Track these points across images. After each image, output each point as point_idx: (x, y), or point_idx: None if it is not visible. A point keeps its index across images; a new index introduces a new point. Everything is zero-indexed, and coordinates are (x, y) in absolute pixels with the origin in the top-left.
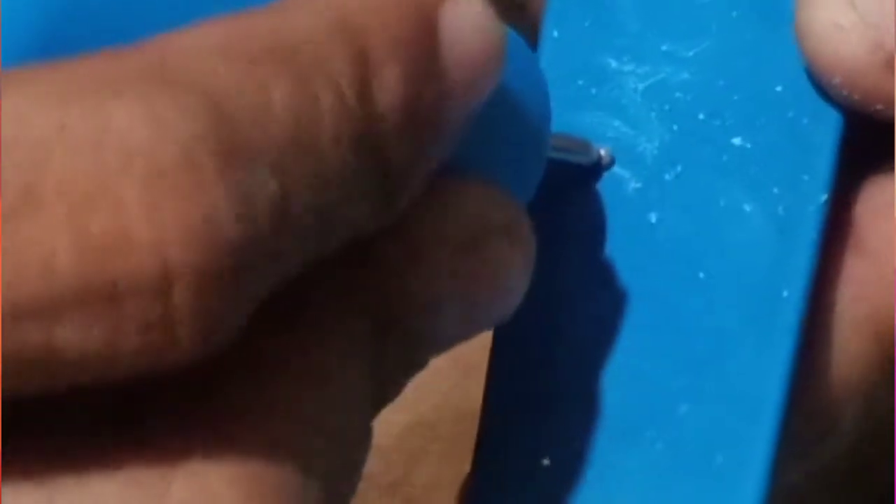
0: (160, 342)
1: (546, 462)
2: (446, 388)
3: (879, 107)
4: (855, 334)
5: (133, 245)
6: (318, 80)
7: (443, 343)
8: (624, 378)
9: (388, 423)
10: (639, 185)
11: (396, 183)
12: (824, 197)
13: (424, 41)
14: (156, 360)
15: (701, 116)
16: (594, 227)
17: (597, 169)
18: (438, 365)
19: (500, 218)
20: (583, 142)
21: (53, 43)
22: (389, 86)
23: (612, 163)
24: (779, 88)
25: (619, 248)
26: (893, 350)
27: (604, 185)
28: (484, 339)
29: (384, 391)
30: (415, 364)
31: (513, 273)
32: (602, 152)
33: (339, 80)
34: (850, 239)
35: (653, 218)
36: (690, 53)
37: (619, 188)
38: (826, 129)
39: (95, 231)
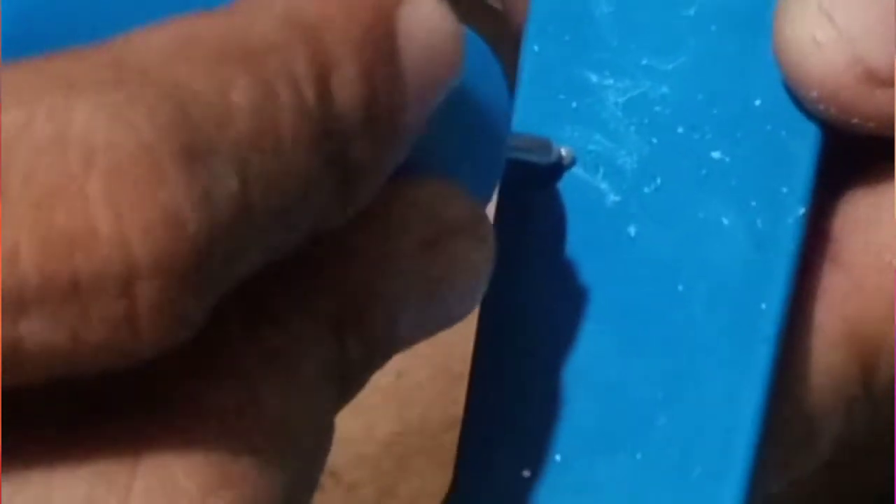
0: (123, 336)
1: (526, 473)
2: (432, 396)
3: (856, 121)
4: (832, 347)
5: (96, 239)
6: (277, 79)
7: (403, 341)
8: (603, 390)
9: (375, 432)
10: (618, 198)
11: (355, 180)
12: (802, 210)
13: (382, 41)
14: (119, 354)
15: (680, 130)
16: (563, 230)
17: (558, 168)
18: (424, 374)
19: (460, 215)
20: (543, 141)
21: (19, 44)
22: (347, 84)
23: (573, 162)
24: (757, 102)
25: (598, 261)
26: (871, 363)
27: (583, 198)
28: (469, 349)
29: (346, 388)
30: (376, 361)
31: (473, 270)
32: (563, 152)
33: (298, 79)
34: (828, 252)
35: (632, 231)
36: (670, 67)
37: (599, 201)
38: (804, 143)
39: (58, 226)
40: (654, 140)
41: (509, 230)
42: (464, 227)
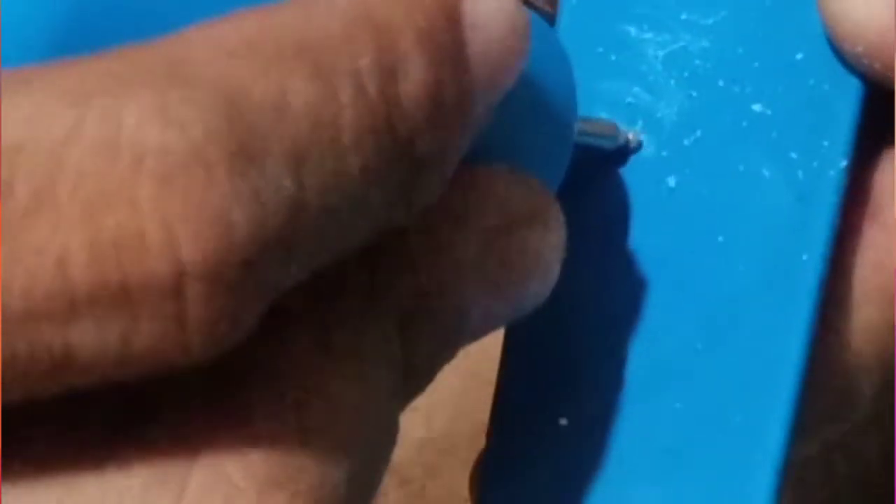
0: (173, 341)
1: (563, 422)
2: (462, 403)
3: None
4: (872, 302)
5: (145, 245)
6: (338, 76)
7: (474, 333)
8: (642, 339)
9: (404, 438)
10: (658, 149)
11: (423, 175)
12: (844, 163)
13: (449, 31)
14: (169, 359)
15: (720, 83)
16: (608, 184)
17: (624, 151)
18: (454, 380)
19: (529, 204)
20: (610, 125)
21: (69, 41)
22: (415, 77)
23: (639, 146)
24: (799, 56)
25: (637, 212)
26: None
27: (622, 149)
28: (493, 359)
29: (414, 382)
30: (445, 354)
31: (543, 260)
32: (630, 135)
33: (361, 74)
34: (868, 209)
35: (672, 182)
36: (710, 21)
37: (639, 152)
38: (847, 97)
39: (108, 231)
40: (694, 93)
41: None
42: (534, 215)
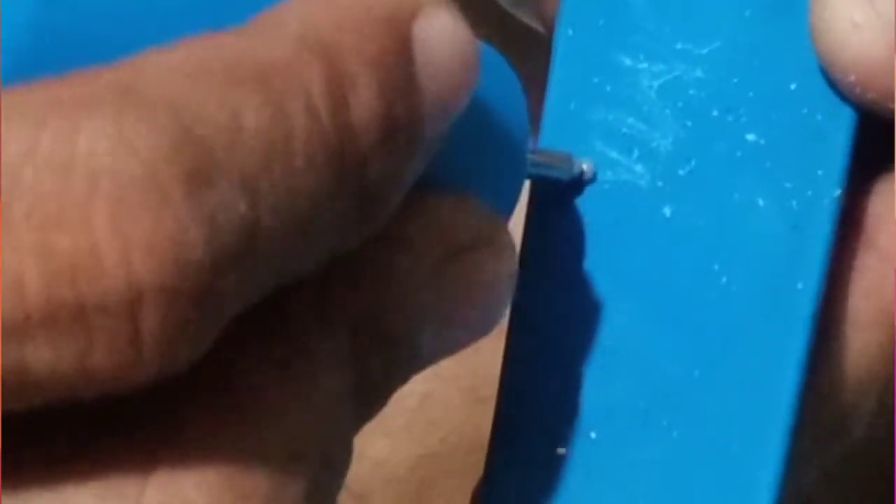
0: (129, 361)
1: (561, 451)
2: (457, 420)
3: (893, 105)
4: (866, 329)
5: (100, 265)
6: (290, 100)
7: (426, 357)
8: (639, 369)
9: (400, 456)
10: (653, 179)
11: (373, 199)
12: (838, 192)
13: (398, 56)
14: (125, 378)
15: (715, 113)
16: (597, 211)
17: (579, 183)
18: (449, 397)
19: (478, 231)
20: (564, 156)
21: (35, 63)
22: (365, 102)
23: (594, 178)
24: (793, 86)
25: (633, 242)
26: None
27: (618, 180)
28: (494, 371)
29: (367, 406)
30: (398, 378)
31: (494, 284)
32: (584, 167)
33: (313, 99)
34: (862, 237)
35: (667, 212)
36: (704, 51)
37: (634, 183)
38: (840, 126)
39: (63, 252)
40: (689, 123)
41: (540, 219)
42: (483, 240)
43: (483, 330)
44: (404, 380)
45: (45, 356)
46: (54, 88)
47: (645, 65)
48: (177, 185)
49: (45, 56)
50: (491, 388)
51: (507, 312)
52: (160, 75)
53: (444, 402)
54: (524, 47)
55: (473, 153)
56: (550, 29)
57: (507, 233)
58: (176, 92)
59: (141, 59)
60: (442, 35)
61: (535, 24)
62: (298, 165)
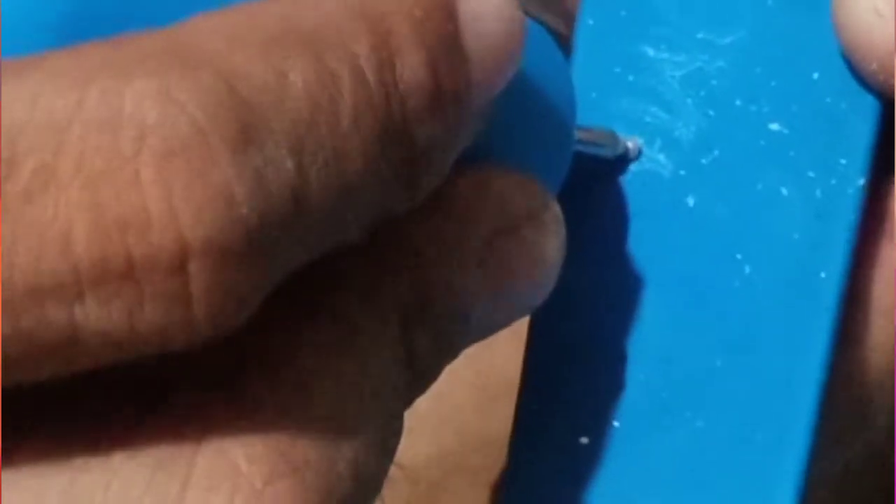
0: (178, 318)
1: (584, 440)
2: (470, 418)
3: None
4: (889, 319)
5: (148, 222)
6: (337, 62)
7: (475, 332)
8: (663, 358)
9: (412, 454)
10: (676, 169)
11: (420, 165)
12: (862, 181)
13: (445, 22)
14: (175, 338)
15: (738, 102)
16: (627, 215)
17: (624, 160)
18: (462, 395)
19: (530, 204)
20: (609, 133)
21: (77, 30)
22: (412, 68)
23: (639, 154)
24: (815, 75)
25: (656, 231)
26: None
27: (641, 169)
28: (506, 370)
29: (418, 380)
30: (448, 353)
31: (544, 260)
32: (629, 144)
33: (360, 62)
34: (885, 228)
35: (690, 202)
36: (727, 41)
37: (657, 172)
38: (863, 115)
39: (111, 209)
40: (712, 112)
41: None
42: (535, 215)
43: (531, 305)
44: (454, 355)
45: (94, 315)
46: (100, 49)
47: (667, 55)
48: (223, 143)
49: (85, 22)
50: (504, 386)
51: None
52: (206, 37)
53: (456, 400)
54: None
55: (522, 128)
56: (573, 30)
57: (557, 207)
58: (222, 52)
59: (187, 23)
60: (487, 6)
61: (559, 27)
62: (345, 127)
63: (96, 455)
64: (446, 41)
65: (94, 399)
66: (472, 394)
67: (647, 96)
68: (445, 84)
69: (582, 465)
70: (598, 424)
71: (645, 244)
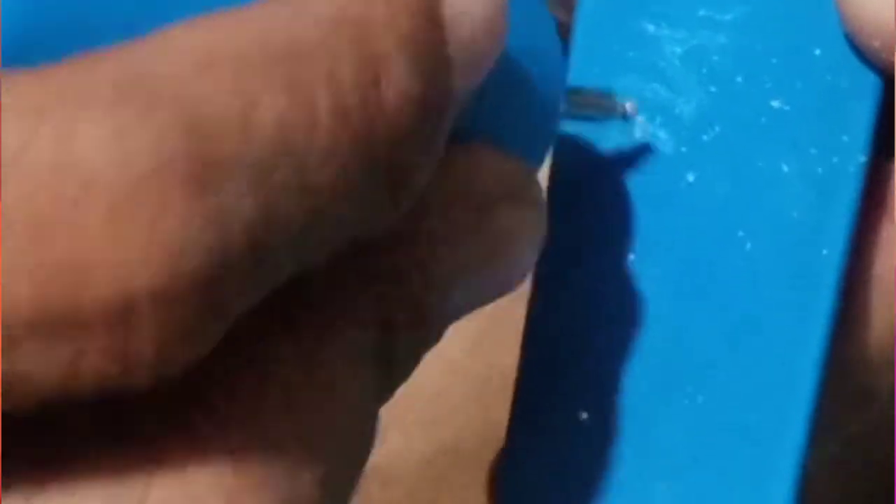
0: (123, 366)
1: (584, 416)
2: (471, 414)
3: None
4: (891, 298)
5: (92, 270)
6: (314, 85)
7: (454, 315)
8: (662, 334)
9: (411, 453)
10: (677, 145)
11: (404, 181)
12: (863, 158)
13: (432, 30)
14: (120, 383)
15: (739, 79)
16: (627, 191)
17: (624, 122)
18: (463, 391)
19: (508, 183)
20: (605, 94)
21: (34, 38)
22: (397, 82)
23: (635, 114)
24: (817, 52)
25: (657, 208)
26: None
27: (641, 145)
28: (503, 366)
29: (394, 374)
30: (428, 340)
31: (523, 239)
32: (627, 106)
33: (341, 83)
34: (886, 206)
35: (690, 178)
36: (728, 17)
37: (658, 149)
38: (865, 92)
39: (54, 254)
40: (713, 89)
41: (565, 180)
42: (512, 192)
43: (512, 283)
44: (433, 343)
45: (34, 361)
46: (52, 79)
47: (668, 31)
48: (177, 187)
49: (48, 31)
50: (505, 381)
51: (530, 280)
52: (167, 62)
53: (457, 396)
54: None
55: (503, 103)
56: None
57: (536, 185)
58: (183, 81)
59: (149, 43)
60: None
61: (560, 14)
62: (320, 156)
63: (52, 480)
64: (433, 50)
65: (50, 424)
66: (473, 390)
67: (647, 73)
68: (432, 96)
69: (581, 442)
70: (597, 401)
71: (645, 221)
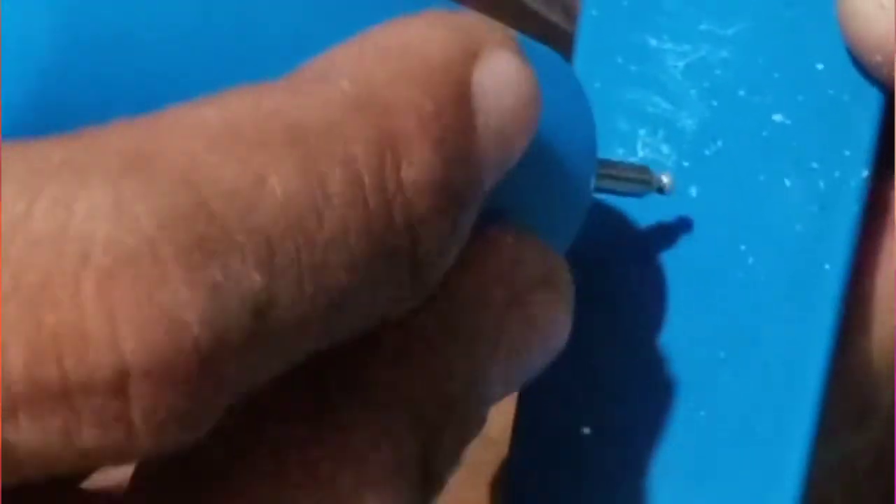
0: (118, 439)
1: (586, 431)
2: None
3: None
4: (891, 310)
5: (87, 343)
6: (329, 165)
7: (490, 403)
8: (665, 348)
9: None
10: (679, 159)
11: (426, 265)
12: (866, 173)
13: (458, 112)
14: (115, 457)
15: (741, 93)
16: (630, 205)
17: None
18: None
19: (541, 272)
20: (641, 168)
21: (46, 103)
22: (419, 166)
23: (672, 189)
24: (819, 66)
25: (659, 222)
26: None
27: (644, 160)
28: None
29: (432, 485)
30: (467, 442)
31: (554, 326)
32: (664, 179)
33: (356, 164)
34: (888, 221)
35: (693, 192)
36: (730, 32)
37: (660, 163)
38: (867, 106)
39: (48, 327)
40: (715, 103)
41: None
42: (545, 281)
43: (542, 366)
44: (472, 439)
45: (28, 434)
46: (58, 149)
47: (670, 45)
48: (176, 259)
49: (62, 103)
50: None
51: None
52: (183, 134)
53: None
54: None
55: (534, 184)
56: (575, 23)
57: (565, 270)
58: (190, 155)
59: (160, 117)
60: (504, 82)
61: (561, 21)
62: (329, 238)
63: None
64: (460, 132)
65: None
66: None
67: (650, 87)
68: (455, 181)
69: (584, 456)
70: (600, 414)
71: (648, 235)
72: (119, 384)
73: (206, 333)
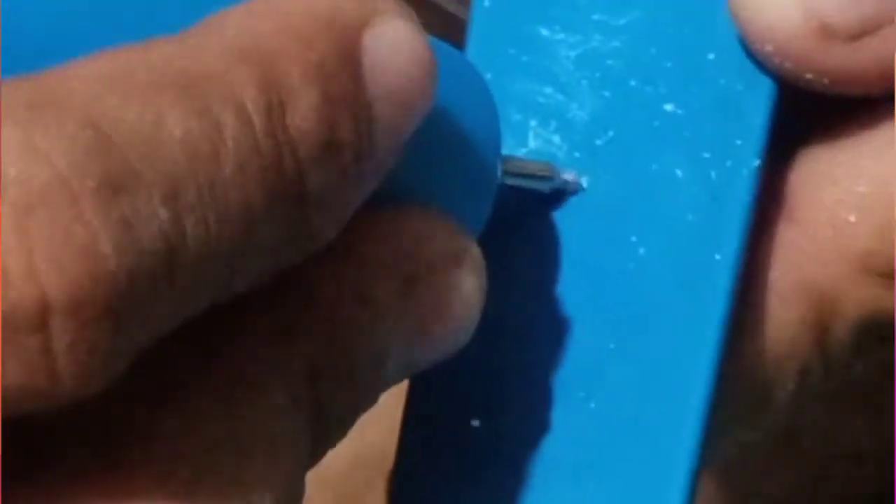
0: (40, 377)
1: (475, 423)
2: (395, 417)
3: (810, 76)
4: (786, 305)
5: (7, 278)
6: (222, 108)
7: (393, 377)
8: (555, 338)
9: (335, 457)
10: (570, 150)
11: (316, 211)
12: (757, 162)
13: (343, 66)
14: (38, 397)
15: (632, 83)
16: (520, 196)
17: (561, 195)
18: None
19: (448, 247)
20: (546, 165)
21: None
22: (303, 112)
23: (578, 188)
24: (711, 56)
25: (550, 212)
26: (825, 323)
27: (535, 150)
28: None
29: (329, 434)
30: (365, 402)
31: (463, 305)
32: (568, 177)
33: (246, 108)
34: (783, 209)
35: (584, 182)
36: (622, 22)
37: (551, 153)
38: (759, 96)
39: None
40: (607, 93)
41: None
42: (453, 258)
43: (451, 348)
44: (371, 403)
45: None
46: None
47: (562, 35)
48: (89, 195)
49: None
50: None
51: None
52: (82, 81)
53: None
54: (445, 35)
55: (440, 164)
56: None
57: (476, 248)
58: (96, 97)
59: (64, 68)
60: (396, 45)
61: (458, 11)
62: (228, 176)
63: None
64: (344, 85)
65: None
66: (397, 392)
67: (541, 77)
68: (342, 130)
69: (473, 449)
70: (488, 407)
71: (539, 225)
72: (40, 319)
73: (123, 266)
